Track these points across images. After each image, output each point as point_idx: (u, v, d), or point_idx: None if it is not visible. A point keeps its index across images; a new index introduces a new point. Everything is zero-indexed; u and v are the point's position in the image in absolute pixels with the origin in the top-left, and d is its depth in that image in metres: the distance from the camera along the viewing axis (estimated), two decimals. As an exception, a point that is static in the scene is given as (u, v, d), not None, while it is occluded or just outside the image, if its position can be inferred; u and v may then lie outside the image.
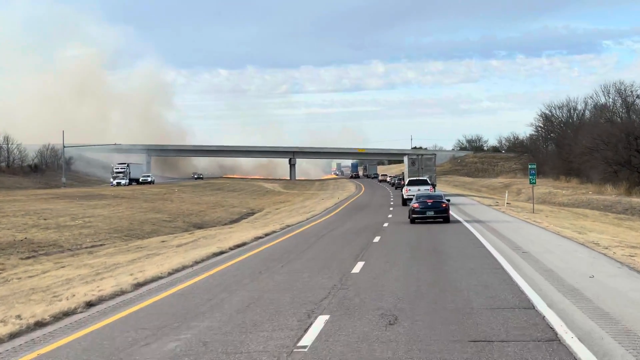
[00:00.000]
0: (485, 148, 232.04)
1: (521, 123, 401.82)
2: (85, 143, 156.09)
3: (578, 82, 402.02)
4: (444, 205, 40.90)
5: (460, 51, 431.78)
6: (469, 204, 62.16)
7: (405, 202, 61.04)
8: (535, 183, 54.25)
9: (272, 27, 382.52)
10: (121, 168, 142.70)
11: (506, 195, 69.94)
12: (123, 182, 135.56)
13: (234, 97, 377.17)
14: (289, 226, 38.39)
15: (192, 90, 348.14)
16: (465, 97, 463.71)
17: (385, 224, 39.78)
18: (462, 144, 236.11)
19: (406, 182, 73.36)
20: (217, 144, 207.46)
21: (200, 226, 57.43)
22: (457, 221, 39.23)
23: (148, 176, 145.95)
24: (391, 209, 62.60)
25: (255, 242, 29.55)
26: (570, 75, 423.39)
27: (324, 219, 44.60)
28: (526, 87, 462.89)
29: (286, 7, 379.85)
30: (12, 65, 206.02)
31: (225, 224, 60.19)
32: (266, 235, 33.04)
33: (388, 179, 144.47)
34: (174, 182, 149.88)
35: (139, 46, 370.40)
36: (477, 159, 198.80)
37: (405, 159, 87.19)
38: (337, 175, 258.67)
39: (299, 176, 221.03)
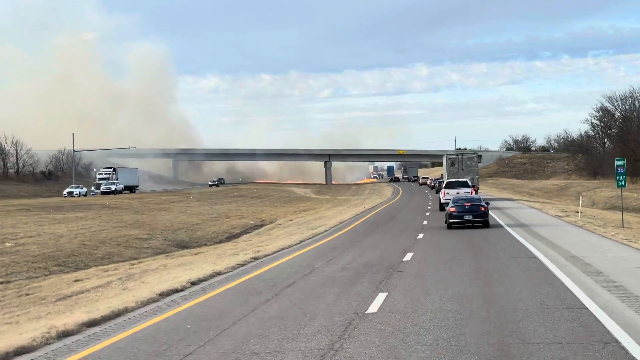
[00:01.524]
0: (533, 148, 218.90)
1: (567, 124, 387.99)
2: (100, 147, 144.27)
3: (625, 82, 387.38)
4: (482, 209, 38.02)
5: (504, 53, 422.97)
6: (527, 213, 49.60)
7: (443, 206, 53.05)
8: (624, 185, 40.42)
9: (315, 31, 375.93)
10: (105, 174, 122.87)
11: (580, 202, 56.81)
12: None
13: (276, 102, 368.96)
14: (267, 255, 26.00)
15: (235, 96, 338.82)
16: (510, 99, 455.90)
17: (409, 256, 27.50)
18: (509, 144, 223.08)
19: (444, 185, 62.03)
20: (248, 147, 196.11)
21: (184, 245, 45.82)
22: (524, 248, 26.54)
23: (112, 184, 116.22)
24: (427, 214, 50.71)
25: (174, 297, 17.33)
26: (616, 75, 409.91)
27: (327, 239, 31.86)
28: (571, 88, 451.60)
29: (329, 11, 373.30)
30: (30, 70, 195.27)
31: (219, 241, 48.57)
32: (215, 274, 21.04)
33: (429, 182, 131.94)
34: (191, 189, 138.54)
35: (184, 53, 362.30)
36: (526, 160, 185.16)
37: (444, 159, 74.94)
38: (376, 178, 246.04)
39: (337, 180, 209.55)
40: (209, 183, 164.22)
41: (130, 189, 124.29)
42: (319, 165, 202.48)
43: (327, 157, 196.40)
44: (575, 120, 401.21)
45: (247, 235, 51.38)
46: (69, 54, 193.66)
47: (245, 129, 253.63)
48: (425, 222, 39.69)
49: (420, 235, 29.26)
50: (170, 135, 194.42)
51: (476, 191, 69.66)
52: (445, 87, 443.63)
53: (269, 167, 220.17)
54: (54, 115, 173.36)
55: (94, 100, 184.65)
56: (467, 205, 38.22)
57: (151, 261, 32.60)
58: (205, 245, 46.74)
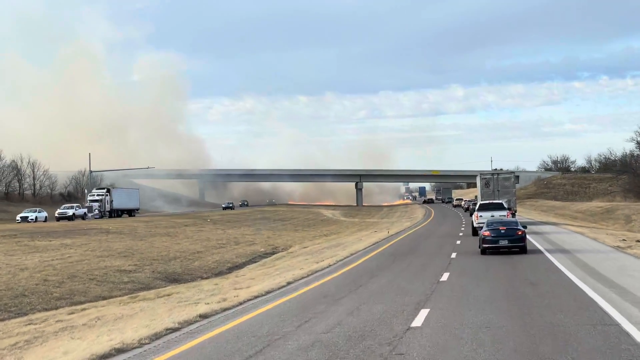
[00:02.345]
0: (572, 169, 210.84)
1: (606, 145, 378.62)
2: (115, 167, 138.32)
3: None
4: (519, 233, 35.53)
5: (542, 73, 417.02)
6: (577, 242, 42.66)
7: (476, 231, 48.94)
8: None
9: (351, 52, 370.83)
10: (97, 195, 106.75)
11: None
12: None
13: (312, 123, 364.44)
14: (229, 308, 19.09)
15: (271, 117, 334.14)
16: (547, 120, 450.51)
17: (421, 318, 20.72)
18: (547, 165, 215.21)
19: (477, 207, 56.12)
20: (277, 167, 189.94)
21: (174, 278, 39.58)
22: (592, 303, 19.24)
23: (70, 207, 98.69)
24: (458, 242, 44.08)
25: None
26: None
27: (324, 280, 24.30)
28: (610, 109, 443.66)
29: (366, 33, 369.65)
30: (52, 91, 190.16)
31: (218, 273, 42.36)
32: (173, 329, 14.78)
33: (462, 203, 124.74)
34: (212, 211, 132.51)
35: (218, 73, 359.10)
36: (566, 181, 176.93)
37: (478, 179, 68.15)
38: (410, 200, 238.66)
39: (369, 201, 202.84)
40: (223, 206, 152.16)
41: (130, 212, 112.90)
42: (350, 186, 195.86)
43: (358, 177, 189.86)
44: (614, 142, 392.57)
45: (251, 265, 45.03)
46: (80, 69, 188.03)
47: (279, 150, 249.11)
48: (453, 255, 32.95)
49: (444, 277, 22.66)
50: (187, 156, 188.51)
51: (513, 214, 63.06)
52: (481, 108, 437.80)
53: (299, 189, 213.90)
54: (68, 133, 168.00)
55: (107, 119, 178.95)
56: (502, 229, 35.59)
57: (104, 307, 26.29)
58: (201, 278, 40.52)
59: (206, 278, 40.48)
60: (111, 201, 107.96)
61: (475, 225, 54.79)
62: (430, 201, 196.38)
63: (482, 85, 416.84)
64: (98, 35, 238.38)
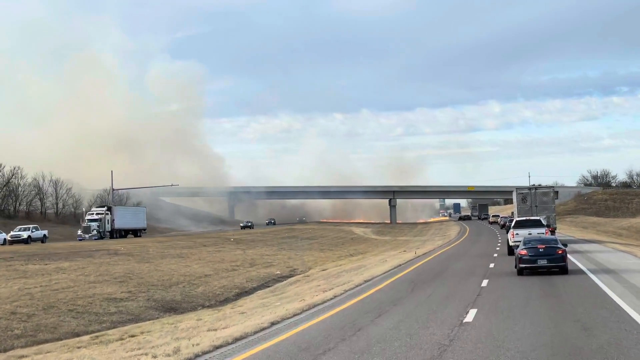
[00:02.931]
0: (613, 184, 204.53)
1: None
2: (136, 185, 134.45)
3: None
4: (559, 252, 33.21)
5: (580, 88, 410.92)
6: (628, 267, 37.70)
7: (512, 250, 45.89)
8: None
9: (387, 69, 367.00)
10: (97, 214, 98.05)
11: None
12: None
13: (348, 140, 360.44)
14: (197, 356, 14.87)
15: (308, 135, 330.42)
16: (586, 135, 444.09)
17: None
18: (587, 180, 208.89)
19: (512, 224, 51.69)
20: (308, 185, 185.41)
21: (172, 307, 35.33)
22: None
23: (26, 229, 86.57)
24: (491, 265, 39.29)
25: None
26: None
27: (319, 319, 19.62)
28: None
29: (401, 50, 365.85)
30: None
31: (222, 300, 38.11)
32: None
33: (499, 220, 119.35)
34: (236, 230, 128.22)
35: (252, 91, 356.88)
36: (607, 196, 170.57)
37: (514, 194, 63.27)
38: (445, 217, 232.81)
39: (404, 218, 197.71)
40: (241, 225, 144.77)
41: (136, 232, 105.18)
42: (384, 203, 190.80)
43: (392, 194, 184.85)
44: None
45: (260, 292, 40.59)
46: (94, 81, 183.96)
47: (311, 167, 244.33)
48: (484, 283, 28.05)
49: (470, 315, 17.66)
50: (208, 172, 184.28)
51: (552, 231, 58.23)
52: (518, 124, 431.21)
53: (332, 206, 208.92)
54: (85, 149, 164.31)
55: (124, 134, 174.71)
56: (541, 247, 33.16)
57: (59, 349, 21.96)
58: (202, 306, 36.26)
59: (208, 306, 36.17)
60: (112, 220, 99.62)
61: (511, 243, 50.34)
62: (466, 218, 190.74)
63: (519, 101, 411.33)
64: (124, 50, 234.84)
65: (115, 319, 31.22)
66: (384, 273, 36.53)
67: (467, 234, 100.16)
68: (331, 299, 24.44)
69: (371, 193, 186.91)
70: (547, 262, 32.89)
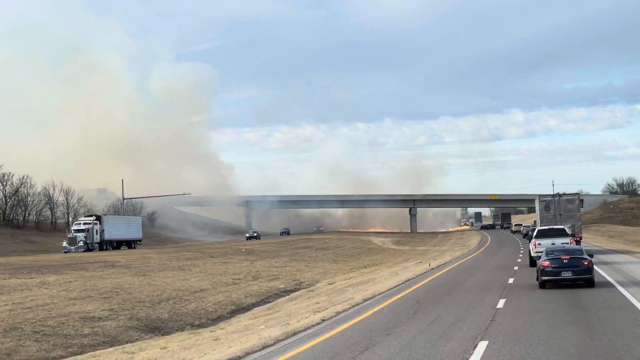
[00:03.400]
0: (639, 192, 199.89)
1: None
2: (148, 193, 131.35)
3: None
4: (585, 263, 30.75)
5: (604, 96, 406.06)
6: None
7: (534, 261, 42.27)
8: None
9: (410, 78, 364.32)
10: (84, 224, 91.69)
11: None
12: (85, 243, 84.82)
13: (370, 149, 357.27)
14: None
15: (330, 144, 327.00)
16: (610, 144, 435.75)
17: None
18: (612, 188, 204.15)
19: (535, 233, 48.51)
20: (327, 193, 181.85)
21: (156, 326, 32.02)
22: None
23: None
24: (511, 280, 35.72)
25: None
26: None
27: (291, 353, 16.65)
28: None
29: (424, 59, 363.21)
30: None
31: (216, 318, 34.76)
32: None
33: (522, 229, 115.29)
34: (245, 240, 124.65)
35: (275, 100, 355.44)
36: (634, 204, 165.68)
37: (537, 201, 59.61)
38: (467, 226, 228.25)
39: (425, 227, 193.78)
40: (247, 235, 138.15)
41: (130, 243, 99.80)
42: (405, 212, 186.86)
43: (412, 202, 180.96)
44: None
45: (257, 309, 37.16)
46: (103, 87, 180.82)
47: (332, 177, 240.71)
48: (500, 304, 24.12)
49: (479, 351, 13.92)
50: (222, 180, 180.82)
51: (578, 241, 54.45)
52: (542, 133, 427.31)
53: (353, 215, 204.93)
54: (92, 156, 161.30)
55: (131, 141, 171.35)
56: (565, 258, 31.16)
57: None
58: (192, 325, 32.92)
59: (198, 325, 32.82)
60: (102, 231, 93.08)
61: (532, 254, 46.86)
62: (490, 227, 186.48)
63: (543, 110, 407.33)
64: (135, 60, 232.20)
65: (86, 341, 27.89)
66: (390, 289, 32.97)
67: (487, 243, 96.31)
68: (318, 323, 20.92)
69: (391, 202, 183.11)
70: (572, 275, 30.70)
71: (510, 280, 35.62)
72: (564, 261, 30.92)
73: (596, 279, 31.89)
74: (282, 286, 46.57)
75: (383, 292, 31.28)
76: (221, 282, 47.31)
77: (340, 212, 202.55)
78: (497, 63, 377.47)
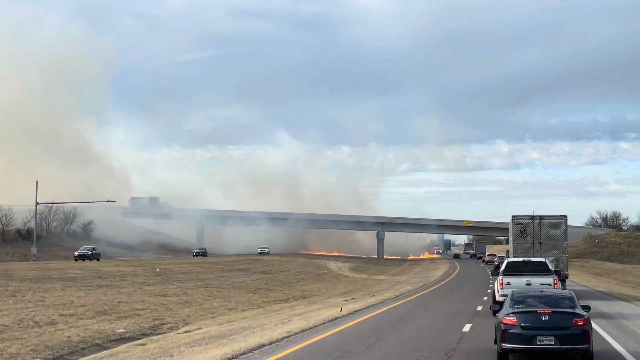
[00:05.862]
0: (625, 227, 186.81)
1: None
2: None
3: None
4: (579, 323, 18.08)
5: (589, 132, 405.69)
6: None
7: (500, 306, 22.38)
8: None
9: (396, 104, 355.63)
10: None
11: None
12: None
13: (354, 174, 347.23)
14: None
15: (313, 167, 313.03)
16: (592, 179, 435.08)
17: None
18: (596, 221, 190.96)
19: (502, 268, 33.58)
20: (296, 212, 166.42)
21: None
22: None
23: None
24: (457, 337, 20.58)
25: None
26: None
27: None
28: None
29: (412, 85, 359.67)
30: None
31: None
32: None
33: (495, 260, 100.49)
34: (170, 258, 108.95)
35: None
36: (621, 239, 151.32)
37: (510, 224, 44.75)
38: (439, 254, 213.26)
39: (395, 253, 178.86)
40: (194, 251, 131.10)
41: None
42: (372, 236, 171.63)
43: (380, 226, 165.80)
44: None
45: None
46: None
47: (313, 198, 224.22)
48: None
49: None
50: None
51: (562, 281, 39.71)
52: (525, 165, 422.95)
53: (323, 237, 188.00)
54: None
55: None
56: (544, 312, 18.44)
57: None
58: None
59: None
60: None
61: (498, 297, 32.17)
62: (456, 256, 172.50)
63: (527, 142, 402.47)
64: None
65: None
66: (271, 343, 18.02)
67: (452, 276, 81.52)
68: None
69: (357, 223, 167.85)
70: (555, 343, 18.00)
71: (458, 338, 20.65)
72: (543, 318, 18.29)
73: (595, 347, 19.33)
74: (121, 330, 31.15)
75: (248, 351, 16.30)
76: (33, 319, 31.91)
77: (308, 232, 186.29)
78: (484, 93, 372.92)
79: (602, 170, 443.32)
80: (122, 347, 26.83)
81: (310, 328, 25.25)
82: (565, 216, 43.91)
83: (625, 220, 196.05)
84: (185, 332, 29.98)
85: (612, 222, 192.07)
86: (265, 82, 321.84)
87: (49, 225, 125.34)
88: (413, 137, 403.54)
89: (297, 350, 19.24)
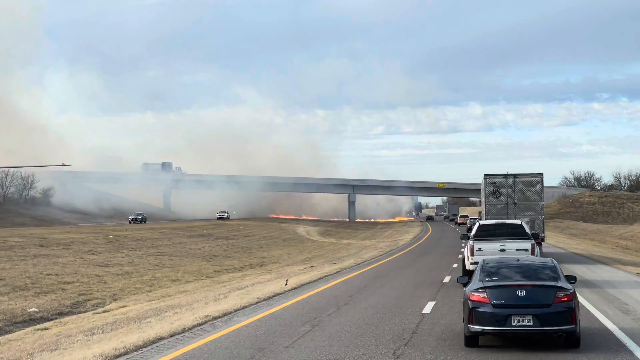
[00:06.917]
0: (598, 187, 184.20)
1: (624, 167, 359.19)
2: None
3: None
4: (562, 299, 14.81)
5: (561, 93, 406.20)
6: None
7: (469, 276, 19.19)
8: None
9: (369, 67, 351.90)
10: None
11: None
12: None
13: (328, 137, 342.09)
14: None
15: (287, 131, 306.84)
16: (565, 140, 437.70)
17: None
18: (570, 182, 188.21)
19: (473, 232, 29.31)
20: (257, 175, 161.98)
21: None
22: None
23: None
24: (425, 310, 17.20)
25: None
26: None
27: None
28: (629, 131, 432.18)
29: (384, 49, 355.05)
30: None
31: None
32: None
33: (468, 221, 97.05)
34: (123, 224, 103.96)
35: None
36: (596, 199, 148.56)
37: (483, 184, 40.85)
38: (413, 217, 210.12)
39: (367, 216, 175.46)
40: (130, 217, 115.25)
41: None
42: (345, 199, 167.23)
43: (351, 188, 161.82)
44: (633, 164, 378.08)
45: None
46: None
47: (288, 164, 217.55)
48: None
49: None
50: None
51: (539, 244, 35.85)
52: (499, 127, 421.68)
53: (291, 200, 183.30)
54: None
55: None
56: (520, 286, 15.00)
57: None
58: None
59: None
60: None
61: (468, 266, 28.34)
62: (429, 218, 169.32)
63: (501, 104, 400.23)
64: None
65: None
66: (166, 338, 13.86)
67: (424, 239, 77.86)
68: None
69: (327, 186, 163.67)
70: (534, 324, 14.69)
71: (425, 311, 16.95)
72: (519, 293, 14.95)
73: (581, 324, 15.81)
74: (34, 309, 26.92)
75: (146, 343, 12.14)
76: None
77: (277, 196, 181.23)
78: (457, 56, 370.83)
79: (574, 131, 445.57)
80: (20, 332, 22.62)
81: (237, 310, 21.05)
82: (541, 174, 40.13)
83: (598, 179, 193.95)
84: (105, 311, 25.87)
85: (585, 182, 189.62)
86: (240, 48, 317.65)
87: (5, 191, 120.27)
88: (387, 100, 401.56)
89: (194, 349, 14.88)
